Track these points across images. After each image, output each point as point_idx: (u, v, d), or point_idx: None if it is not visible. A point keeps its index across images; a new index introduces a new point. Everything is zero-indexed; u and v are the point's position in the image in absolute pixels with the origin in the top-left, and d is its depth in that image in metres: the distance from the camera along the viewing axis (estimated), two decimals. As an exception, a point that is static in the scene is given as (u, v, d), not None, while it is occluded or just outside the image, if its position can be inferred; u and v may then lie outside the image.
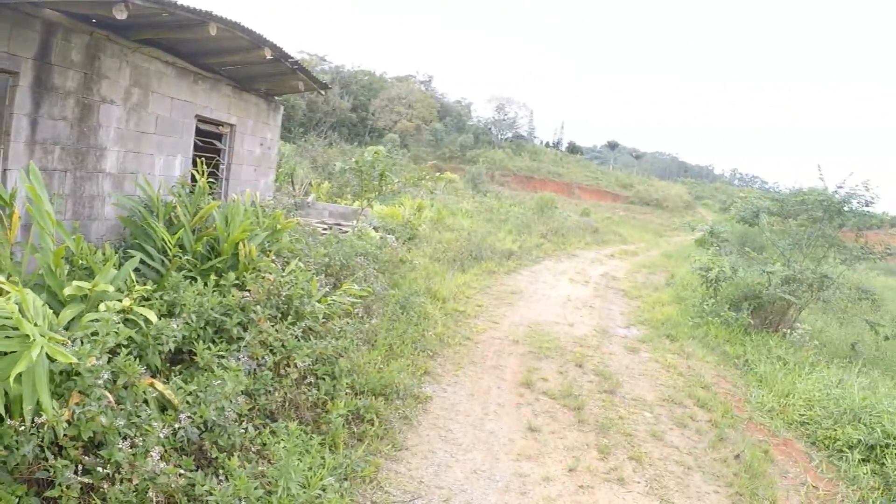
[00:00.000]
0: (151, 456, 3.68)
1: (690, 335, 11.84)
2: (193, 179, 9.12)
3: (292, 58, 9.74)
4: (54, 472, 3.49)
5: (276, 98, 12.39)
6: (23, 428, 3.46)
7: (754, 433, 7.60)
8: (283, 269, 7.48)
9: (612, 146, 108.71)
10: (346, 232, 13.73)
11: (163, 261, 6.95)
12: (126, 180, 7.96)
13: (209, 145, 10.28)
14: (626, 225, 44.68)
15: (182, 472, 3.86)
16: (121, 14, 5.79)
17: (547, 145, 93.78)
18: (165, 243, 6.95)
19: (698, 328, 12.33)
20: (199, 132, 9.70)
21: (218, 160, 10.58)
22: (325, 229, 14.22)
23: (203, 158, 9.17)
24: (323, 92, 12.53)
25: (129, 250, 6.83)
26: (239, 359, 5.49)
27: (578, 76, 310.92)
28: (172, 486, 3.74)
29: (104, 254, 6.11)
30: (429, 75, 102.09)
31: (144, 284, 5.83)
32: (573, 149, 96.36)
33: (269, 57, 8.73)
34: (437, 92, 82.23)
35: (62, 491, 3.48)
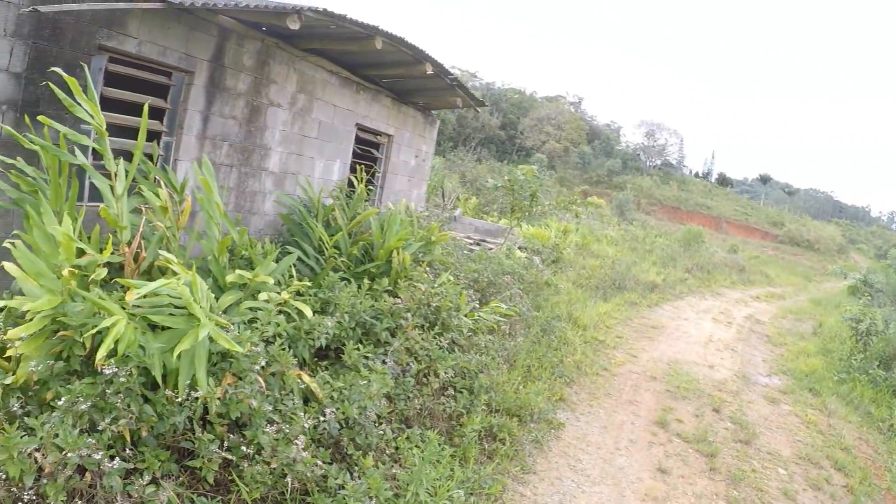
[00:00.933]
0: (296, 444, 3.76)
1: (834, 391, 10.87)
2: (350, 185, 9.44)
3: (452, 74, 9.90)
4: (199, 444, 3.65)
5: (433, 112, 12.65)
6: (177, 399, 3.65)
7: (891, 506, 6.90)
8: (434, 281, 7.59)
9: (764, 180, 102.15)
10: (491, 249, 13.76)
11: (318, 259, 7.22)
12: (287, 180, 8.38)
13: (366, 153, 10.64)
14: (774, 265, 41.85)
15: (319, 463, 3.92)
16: (294, 24, 6.09)
17: (696, 175, 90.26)
18: (323, 243, 7.22)
19: (843, 384, 11.27)
20: (357, 140, 10.07)
21: (374, 168, 10.93)
22: (471, 244, 14.34)
23: (361, 165, 9.48)
24: (479, 109, 12.68)
25: (285, 246, 7.15)
26: (385, 362, 5.59)
27: (731, 103, 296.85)
28: (308, 474, 3.81)
29: (264, 247, 6.43)
30: (579, 97, 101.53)
31: (300, 280, 6.07)
32: (723, 181, 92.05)
33: (429, 72, 8.89)
34: (587, 114, 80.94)
35: (203, 462, 3.63)
